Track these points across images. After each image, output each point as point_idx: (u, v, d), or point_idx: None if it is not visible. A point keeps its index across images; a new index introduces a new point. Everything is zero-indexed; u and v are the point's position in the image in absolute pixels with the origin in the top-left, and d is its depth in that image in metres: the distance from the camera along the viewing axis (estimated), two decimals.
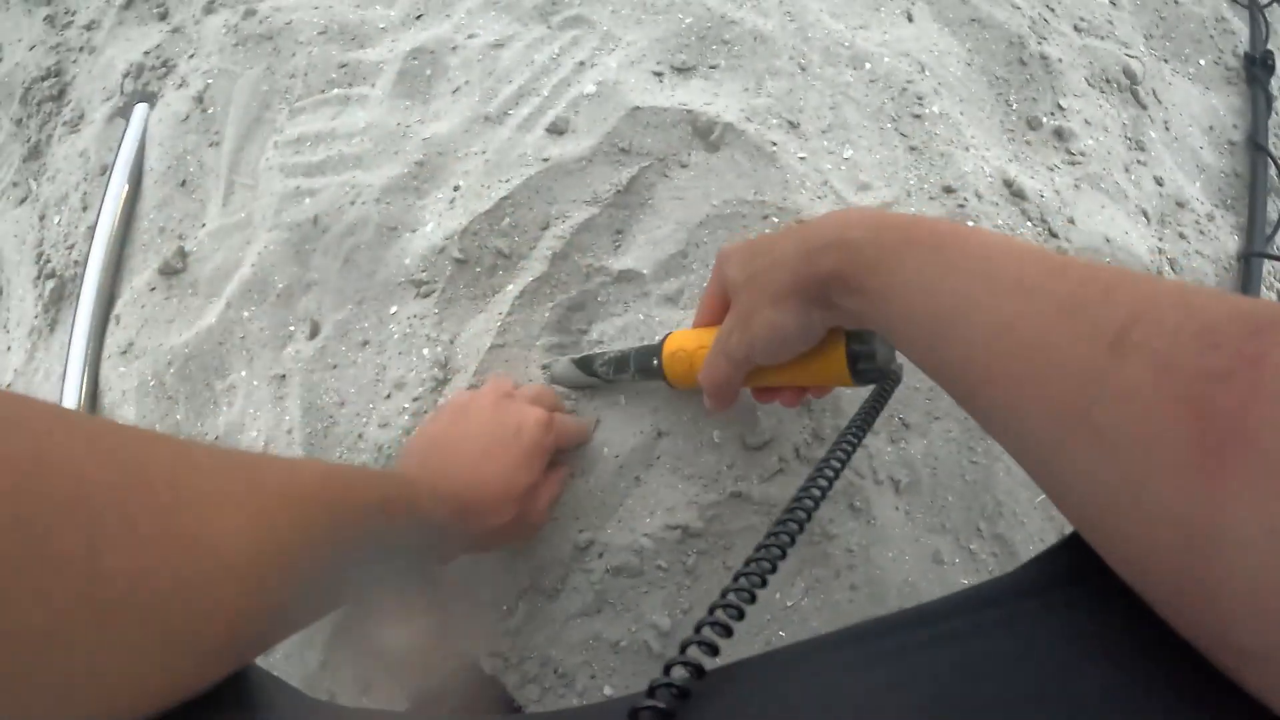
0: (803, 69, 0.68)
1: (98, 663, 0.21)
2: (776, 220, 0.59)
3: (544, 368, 0.58)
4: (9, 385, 0.92)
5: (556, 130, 0.64)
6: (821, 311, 0.39)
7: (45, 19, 1.16)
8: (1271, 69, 1.02)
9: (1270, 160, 0.91)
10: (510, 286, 0.60)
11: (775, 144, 0.62)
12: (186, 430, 0.69)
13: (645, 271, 0.59)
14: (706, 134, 0.62)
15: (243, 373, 0.67)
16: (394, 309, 0.61)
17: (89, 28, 1.09)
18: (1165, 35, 0.99)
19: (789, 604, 0.53)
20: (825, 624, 0.53)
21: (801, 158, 0.62)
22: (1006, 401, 0.28)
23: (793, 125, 0.64)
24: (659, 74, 0.68)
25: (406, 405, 0.58)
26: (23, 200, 1.04)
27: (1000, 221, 0.64)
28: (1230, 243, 0.82)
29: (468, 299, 0.60)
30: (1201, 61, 1.00)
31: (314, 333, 0.63)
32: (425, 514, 0.39)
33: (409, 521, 0.38)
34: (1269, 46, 1.05)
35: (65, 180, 0.96)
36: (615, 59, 0.69)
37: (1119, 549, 0.25)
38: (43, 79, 1.09)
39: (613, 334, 0.60)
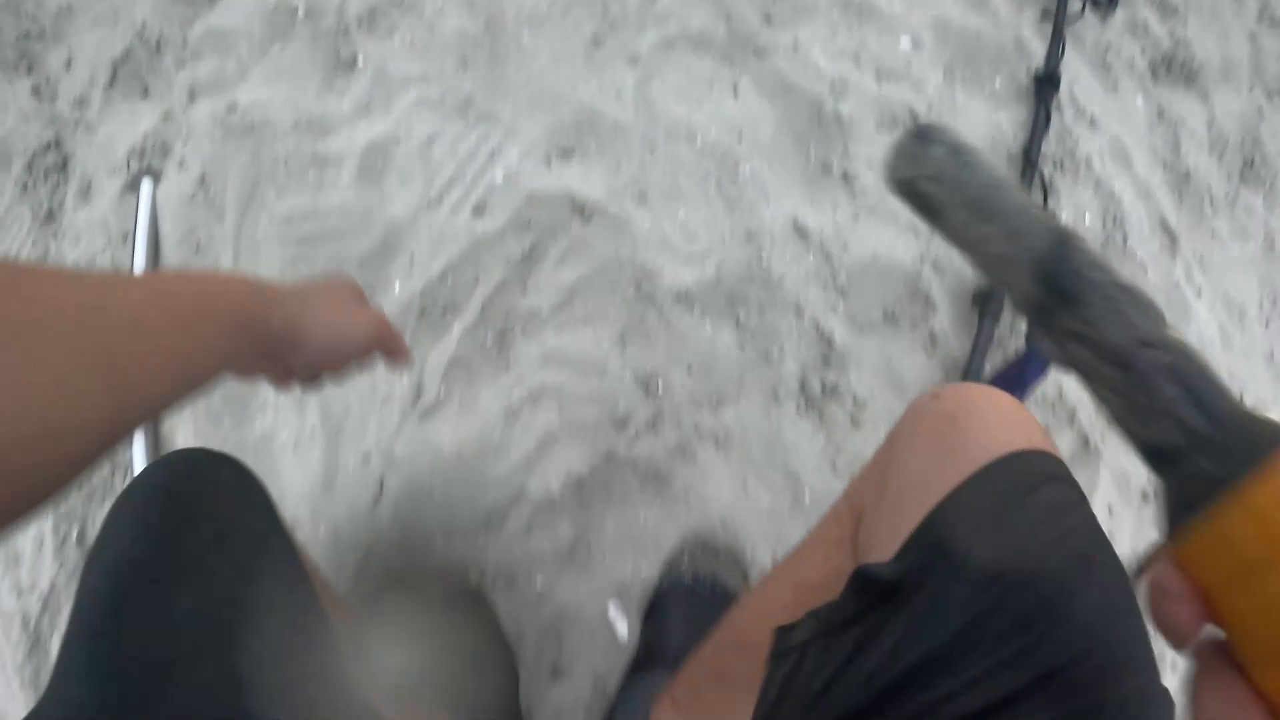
0: (651, 150, 1.06)
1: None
2: (630, 271, 0.98)
3: None
4: None
5: (478, 212, 1.02)
6: None
7: (32, 90, 1.49)
8: (1057, 85, 1.40)
9: (1037, 173, 1.30)
10: (455, 326, 0.99)
11: (628, 215, 1.00)
12: (232, 436, 1.06)
13: (544, 309, 0.98)
14: (581, 210, 1.00)
15: (271, 395, 1.04)
16: None
17: (80, 104, 1.43)
18: (966, 64, 1.36)
19: (644, 519, 0.93)
20: (669, 527, 0.93)
21: (647, 223, 1.01)
22: None
23: (642, 196, 1.02)
24: (548, 159, 1.05)
25: (395, 413, 0.96)
26: (42, 257, 1.39)
27: (788, 254, 1.03)
28: None
29: (428, 338, 0.98)
30: (997, 82, 1.38)
31: None
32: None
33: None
34: (1062, 66, 1.43)
35: (90, 244, 1.30)
36: (516, 149, 1.06)
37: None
38: (44, 150, 1.43)
39: (536, 359, 0.98)
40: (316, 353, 0.55)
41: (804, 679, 0.46)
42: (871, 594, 0.43)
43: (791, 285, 1.01)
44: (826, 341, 1.01)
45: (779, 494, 0.97)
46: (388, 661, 0.71)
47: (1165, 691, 0.38)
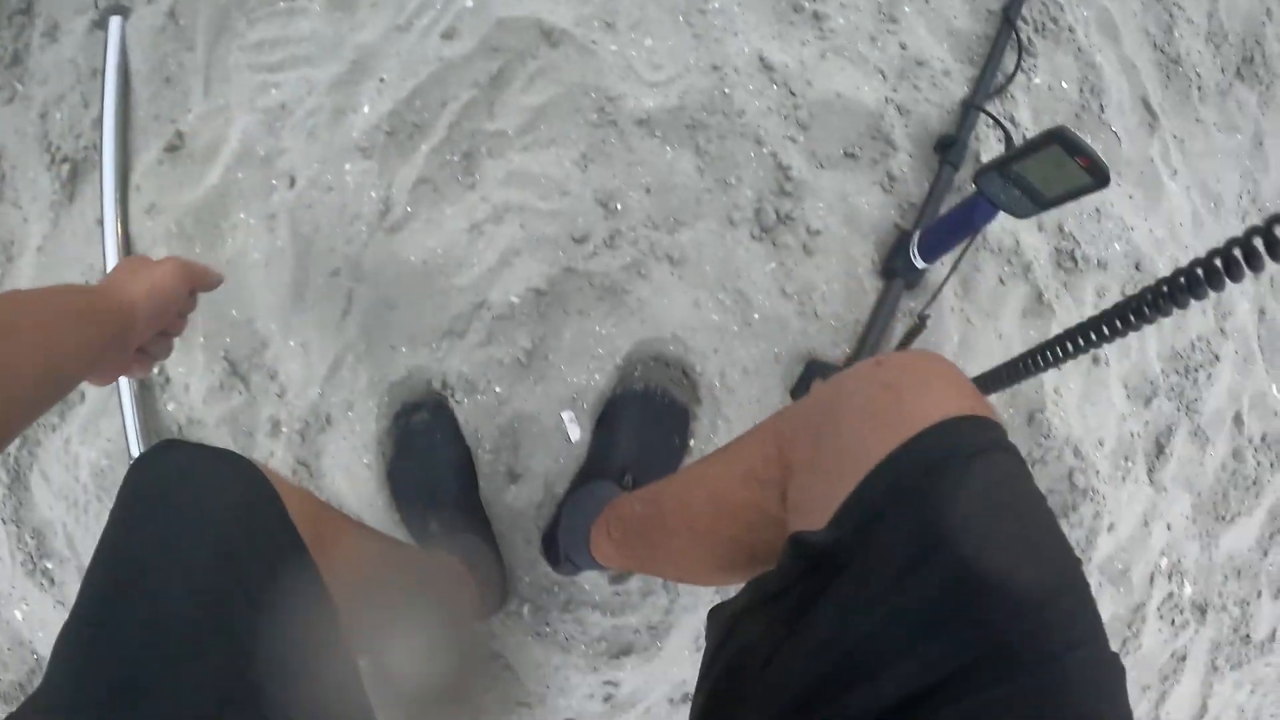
0: None
1: None
2: (594, 96, 1.04)
3: None
4: (40, 247, 1.35)
5: (448, 36, 1.07)
6: None
7: None
8: None
9: (1015, 34, 1.35)
10: (423, 146, 1.05)
11: (595, 42, 1.05)
12: (205, 257, 1.13)
13: (510, 131, 1.04)
14: (549, 36, 1.05)
15: (242, 215, 1.11)
16: (348, 166, 1.05)
17: None
18: None
19: (599, 331, 1.01)
20: (623, 340, 1.01)
21: (614, 50, 1.06)
22: None
23: (609, 25, 1.07)
24: None
25: (364, 229, 1.03)
26: (9, 100, 1.43)
27: (752, 87, 1.08)
28: (960, 93, 1.27)
29: (396, 157, 1.05)
30: None
31: (292, 184, 1.07)
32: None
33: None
34: None
35: (59, 83, 1.35)
36: None
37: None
38: None
39: (501, 178, 1.05)
40: (150, 311, 0.67)
41: (743, 652, 0.48)
42: (806, 561, 0.44)
43: (753, 117, 1.07)
44: (784, 172, 1.08)
45: (729, 313, 1.05)
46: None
47: (1115, 657, 0.39)
